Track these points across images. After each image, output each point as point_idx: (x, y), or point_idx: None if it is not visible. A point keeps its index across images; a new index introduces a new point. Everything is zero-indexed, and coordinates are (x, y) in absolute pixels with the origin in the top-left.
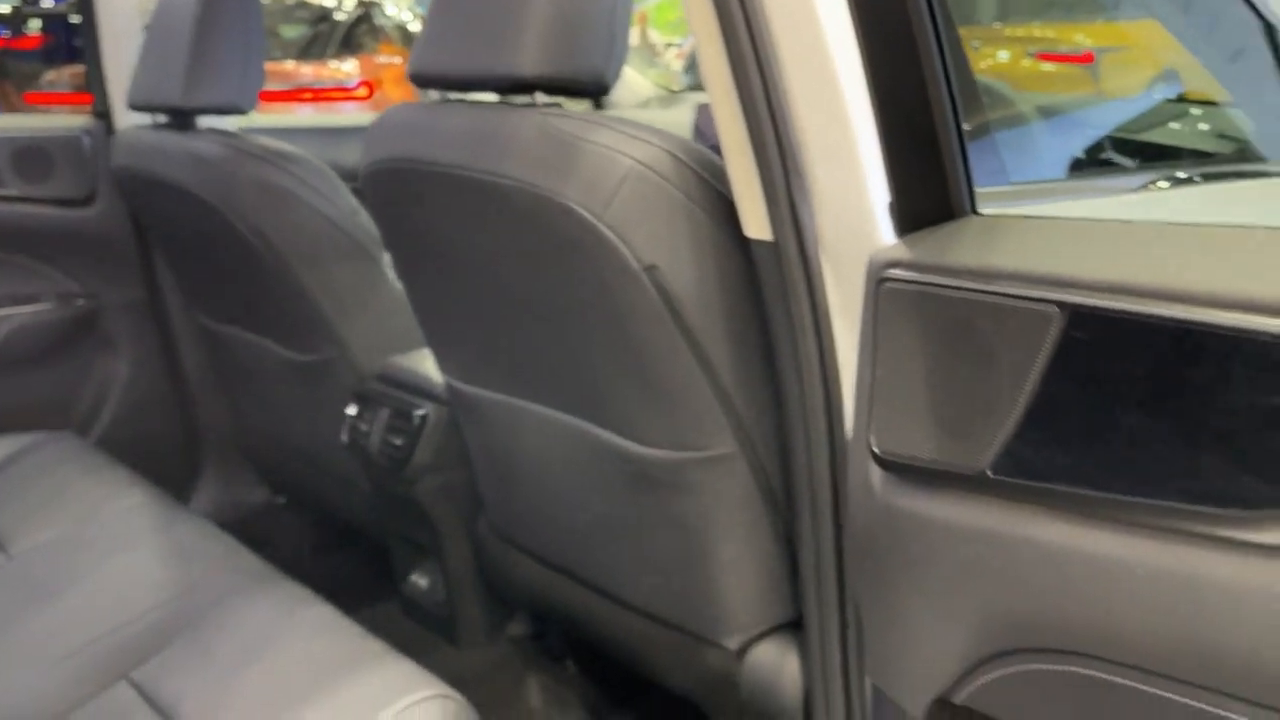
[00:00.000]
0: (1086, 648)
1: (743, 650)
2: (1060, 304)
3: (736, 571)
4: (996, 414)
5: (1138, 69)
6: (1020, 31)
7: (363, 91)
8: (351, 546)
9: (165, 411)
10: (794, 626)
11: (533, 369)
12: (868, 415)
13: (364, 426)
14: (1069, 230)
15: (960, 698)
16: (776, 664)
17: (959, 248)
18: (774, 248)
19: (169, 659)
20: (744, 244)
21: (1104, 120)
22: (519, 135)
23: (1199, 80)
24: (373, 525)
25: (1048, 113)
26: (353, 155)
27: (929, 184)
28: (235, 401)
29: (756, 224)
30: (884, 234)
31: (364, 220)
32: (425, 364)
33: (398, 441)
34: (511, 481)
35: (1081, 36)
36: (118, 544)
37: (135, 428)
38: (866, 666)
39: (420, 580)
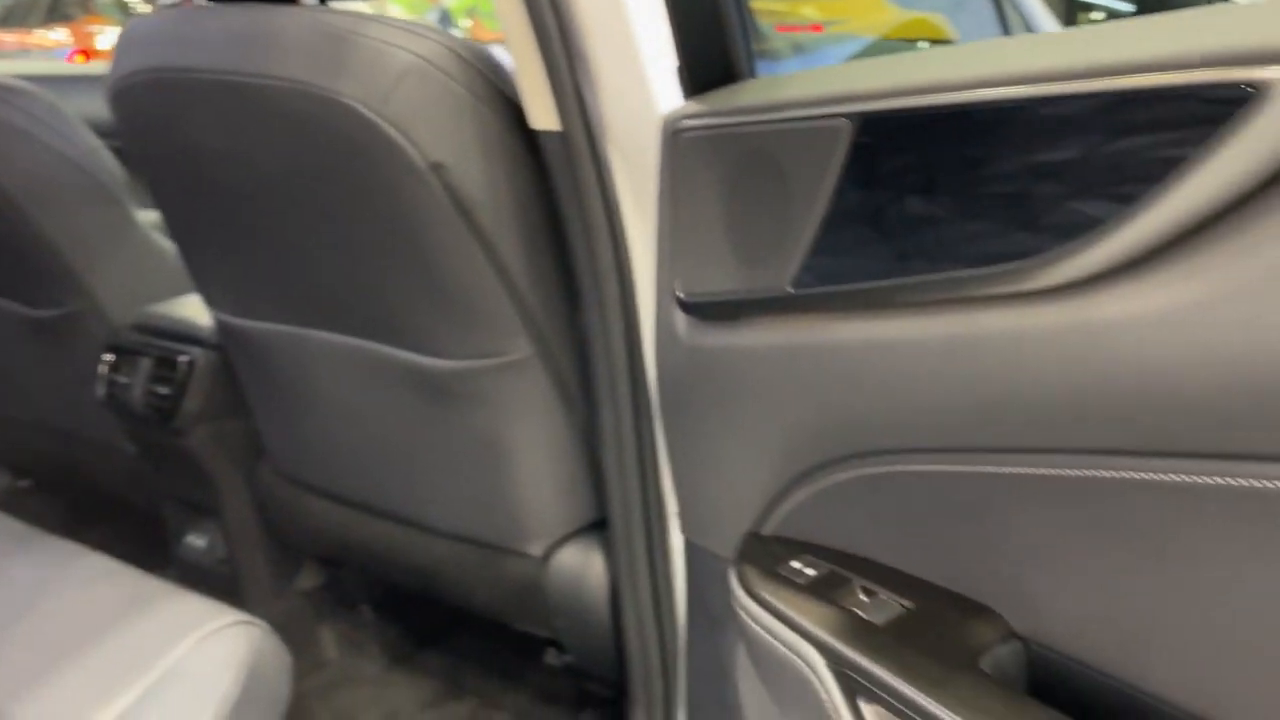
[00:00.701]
0: (891, 442)
1: (548, 555)
2: (849, 115)
3: (538, 477)
4: (794, 234)
5: (859, 35)
6: (760, 4)
7: (79, 60)
8: (113, 521)
9: None
10: (597, 527)
11: (315, 292)
12: (670, 265)
13: (123, 379)
14: (851, 66)
15: (769, 528)
16: (581, 565)
17: (748, 94)
18: (562, 138)
19: None
20: (532, 143)
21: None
22: (289, 33)
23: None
24: (138, 493)
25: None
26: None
27: (714, 50)
28: None
29: (543, 114)
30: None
31: (106, 159)
32: (186, 310)
33: (163, 391)
34: (298, 419)
35: (810, 10)
36: None
37: None
38: (683, 527)
39: (197, 541)
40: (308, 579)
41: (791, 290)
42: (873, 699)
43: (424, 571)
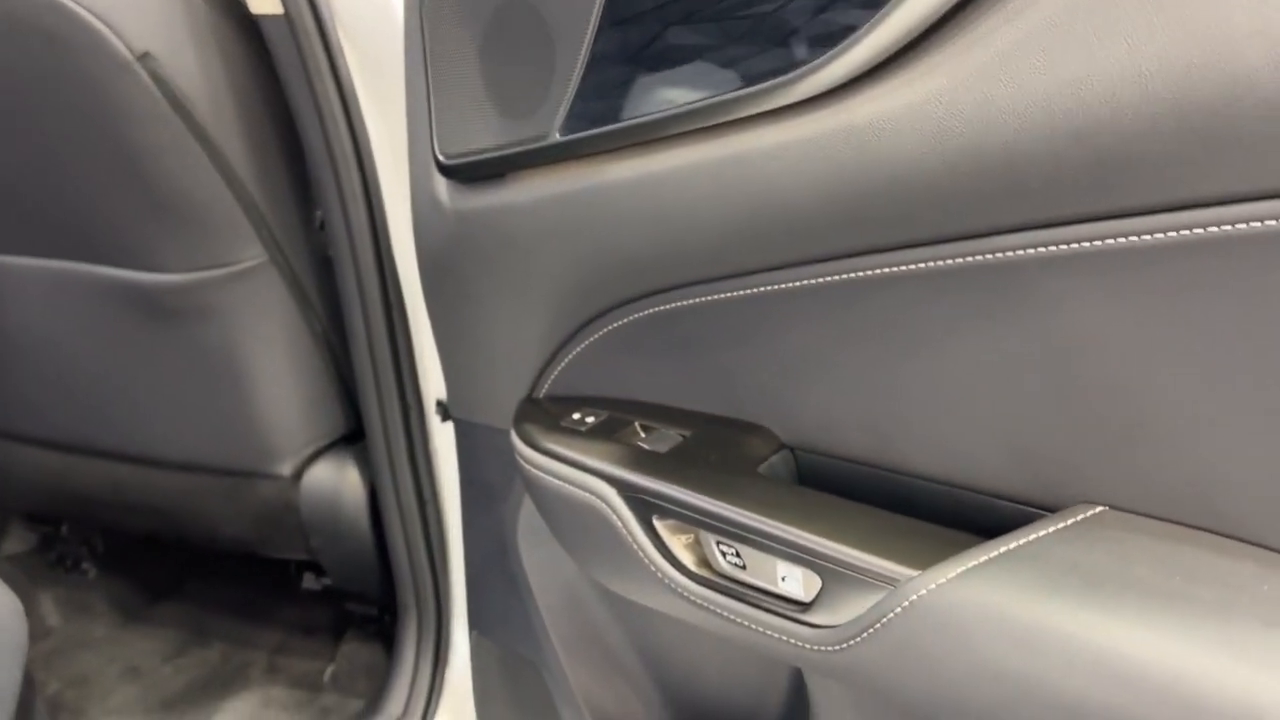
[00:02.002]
0: (662, 281)
1: (298, 474)
2: None
3: (281, 394)
4: (558, 79)
5: None
6: None
7: None
8: None
9: None
10: (349, 440)
11: (10, 211)
12: (429, 128)
13: None
14: None
15: (544, 392)
16: (336, 480)
17: None
18: (287, 22)
19: None
20: (253, 28)
21: None
22: None
23: None
24: None
25: None
26: None
27: None
28: None
29: None
30: None
31: None
32: None
33: None
34: None
35: None
36: None
37: None
38: (453, 407)
39: None
40: (16, 543)
41: (559, 137)
42: (665, 515)
43: (160, 511)
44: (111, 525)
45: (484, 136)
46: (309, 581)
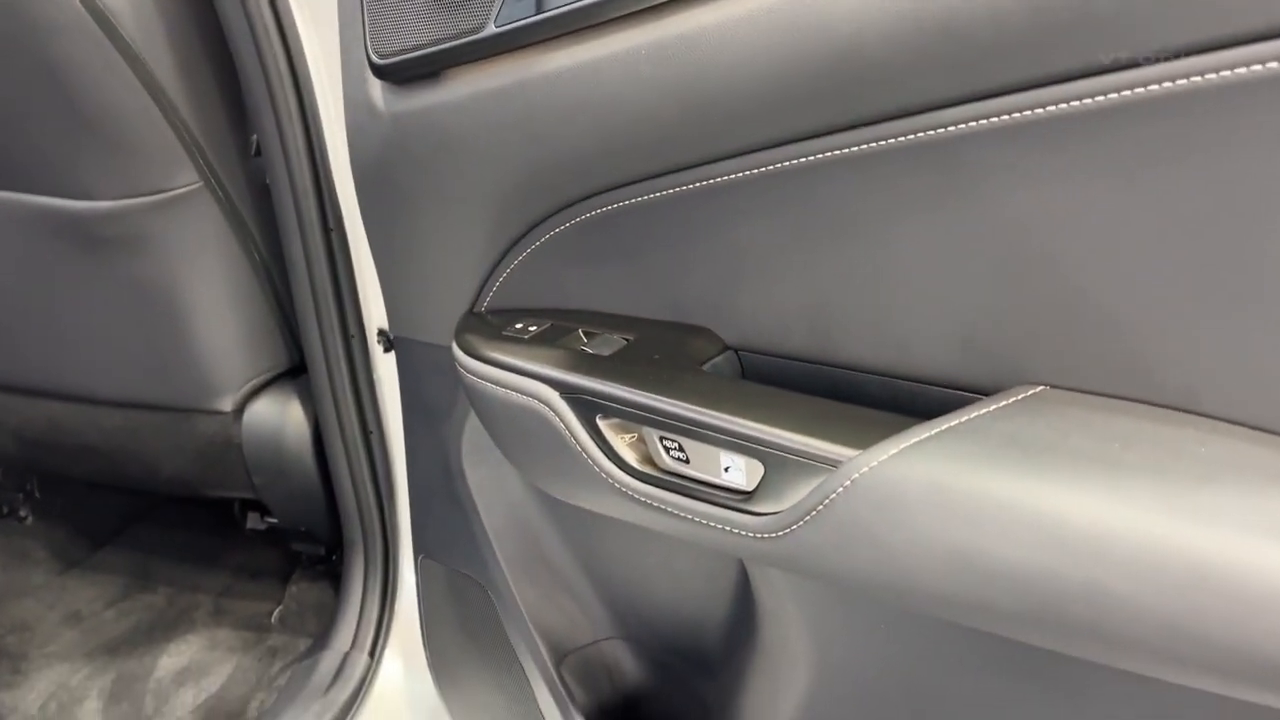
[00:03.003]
0: (603, 179)
1: (240, 409)
2: None
3: (219, 326)
4: None
5: None
6: None
7: None
8: None
9: None
10: (292, 373)
11: None
12: (362, 28)
13: None
14: None
15: (484, 305)
16: (279, 414)
17: None
18: None
19: None
20: None
21: None
22: None
23: None
24: None
25: None
26: None
27: None
28: None
29: None
30: None
31: None
32: None
33: None
34: None
35: None
36: None
37: None
38: (392, 324)
39: None
40: None
41: (495, 28)
42: (608, 414)
43: (98, 451)
44: (48, 468)
45: (418, 33)
46: (254, 521)
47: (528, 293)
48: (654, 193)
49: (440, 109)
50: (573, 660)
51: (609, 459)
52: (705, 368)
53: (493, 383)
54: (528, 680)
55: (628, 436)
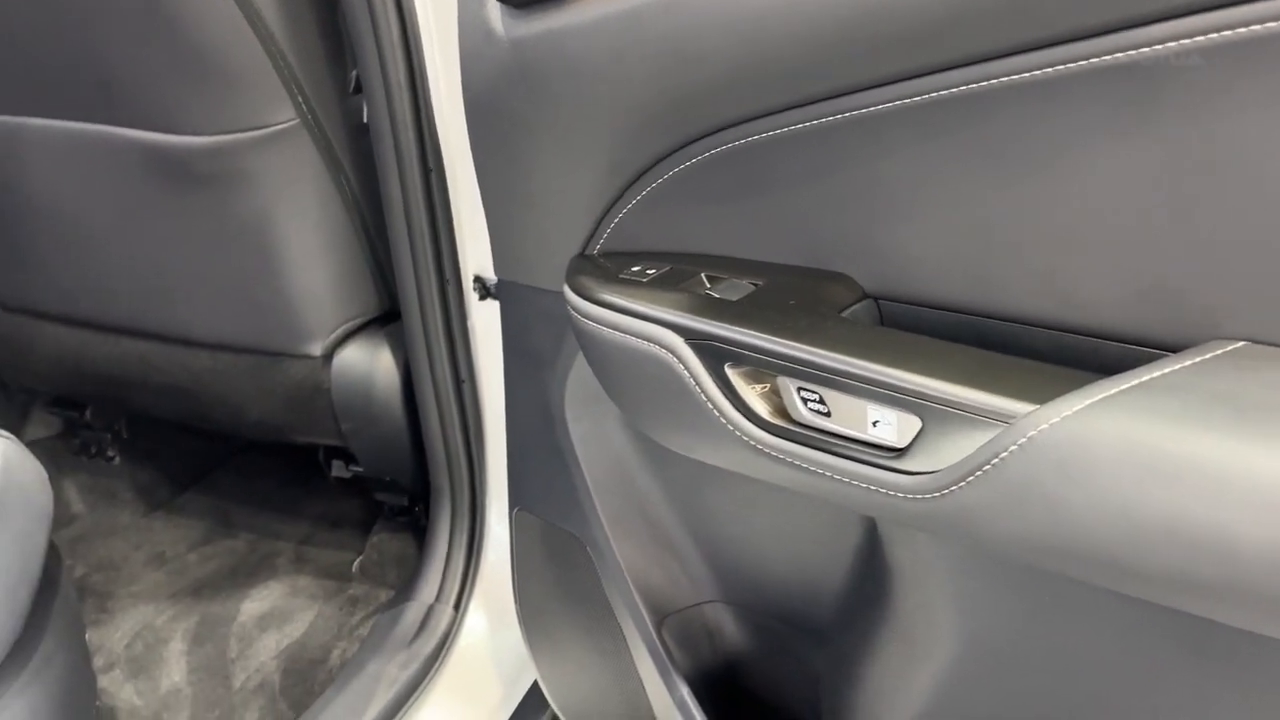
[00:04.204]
0: (741, 109)
1: (329, 354)
2: None
3: (311, 268)
4: None
5: None
6: None
7: None
8: None
9: None
10: (383, 319)
11: (26, 68)
12: None
13: None
14: None
15: (598, 247)
16: (369, 360)
17: None
18: None
19: None
20: None
21: None
22: None
23: None
24: None
25: None
26: None
27: None
28: None
29: None
30: None
31: None
32: None
33: None
34: (17, 232)
35: None
36: None
37: None
38: (498, 266)
39: None
40: (40, 428)
41: None
42: (738, 362)
43: (186, 392)
44: (136, 409)
45: None
46: (338, 469)
47: (644, 235)
48: (792, 125)
49: (564, 33)
50: (673, 622)
51: (738, 410)
52: (844, 314)
53: (609, 327)
54: (625, 641)
55: (759, 387)
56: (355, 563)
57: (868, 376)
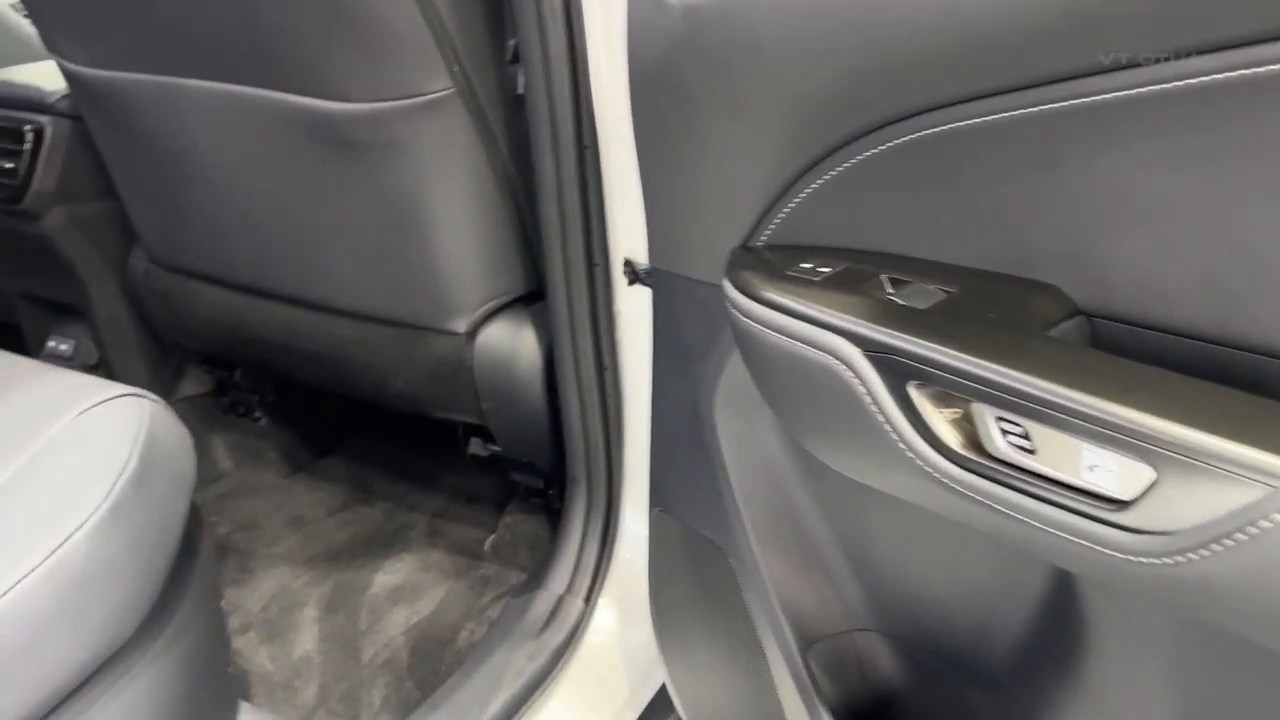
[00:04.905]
0: (935, 93)
1: (473, 332)
2: None
3: (460, 242)
4: None
5: None
6: None
7: None
8: None
9: None
10: (527, 300)
11: (189, 29)
12: None
13: None
14: None
15: (763, 239)
16: (512, 340)
17: None
18: None
19: None
20: None
21: None
22: None
23: None
24: None
25: None
26: None
27: None
28: None
29: None
30: None
31: None
32: (30, 75)
33: (8, 166)
34: (176, 192)
35: None
36: None
37: None
38: (653, 254)
39: (61, 346)
40: (193, 384)
41: None
42: (926, 382)
43: (331, 360)
44: (284, 373)
45: None
46: (476, 447)
47: (816, 228)
48: (1006, 111)
49: (744, 1)
50: (821, 648)
51: (922, 437)
52: (1052, 332)
53: (774, 329)
54: (766, 661)
55: (949, 412)
56: (488, 541)
57: (1088, 413)
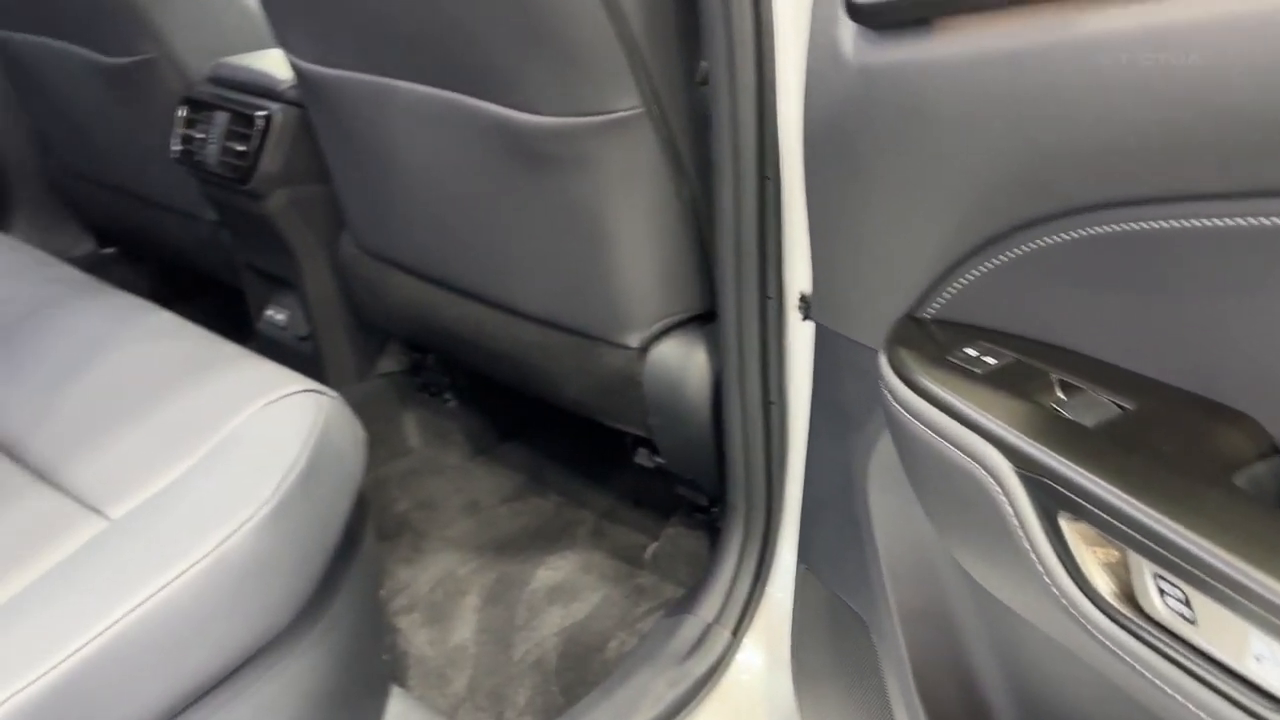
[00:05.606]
0: (1136, 187)
1: (646, 347)
2: None
3: (640, 259)
4: None
5: None
6: None
7: None
8: (198, 296)
9: None
10: (701, 320)
11: (401, 34)
12: None
13: (198, 135)
14: None
15: (930, 310)
16: (682, 359)
17: None
18: None
19: None
20: None
21: None
22: None
23: None
24: (219, 264)
25: None
26: None
27: None
28: (43, 131)
29: None
30: None
31: None
32: (265, 63)
33: (239, 148)
34: (380, 185)
35: None
36: None
37: None
38: (817, 310)
39: (278, 315)
40: (391, 362)
41: None
42: (1079, 515)
43: (512, 359)
44: (470, 365)
45: None
46: (642, 457)
47: (987, 308)
48: (1208, 218)
49: (926, 67)
50: None
51: (1070, 576)
52: (1239, 476)
53: (924, 423)
54: None
55: (1103, 553)
56: (649, 549)
57: (1262, 595)
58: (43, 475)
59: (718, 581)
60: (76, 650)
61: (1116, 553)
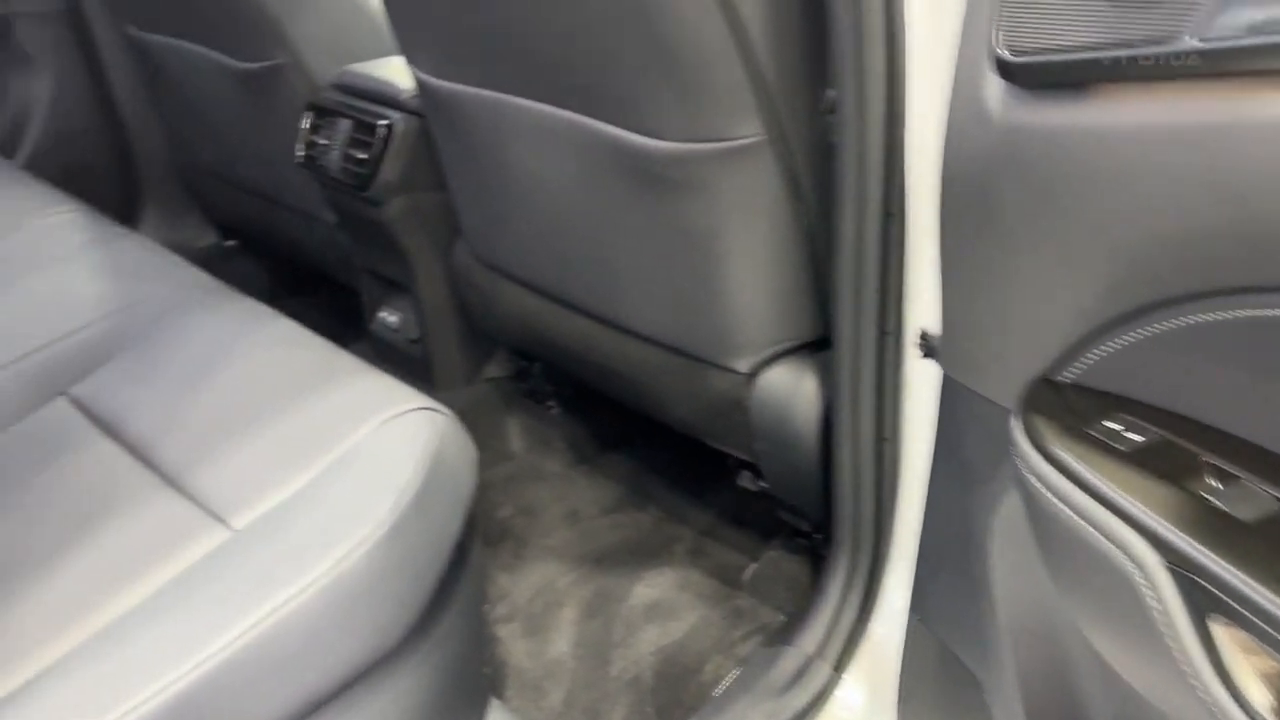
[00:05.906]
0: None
1: (754, 373)
2: None
3: (753, 285)
4: None
5: None
6: None
7: None
8: (314, 292)
9: (94, 140)
10: (812, 347)
11: (524, 53)
12: (989, 14)
13: (322, 141)
14: None
15: (1068, 374)
16: (792, 387)
17: None
18: None
19: (110, 375)
20: None
21: None
22: None
23: None
24: (337, 264)
25: None
26: None
27: None
28: (176, 128)
29: None
30: None
31: None
32: (388, 71)
33: (361, 156)
34: (496, 197)
35: None
36: (45, 258)
37: (61, 158)
38: (944, 360)
39: (391, 318)
40: (499, 368)
41: (1196, 43)
42: (1233, 620)
43: (619, 376)
44: (577, 378)
45: (1073, 30)
46: (745, 480)
47: (1132, 378)
48: None
49: (1078, 133)
50: None
51: (1221, 682)
52: None
53: (1061, 499)
54: None
55: (1259, 662)
56: (748, 570)
57: None
58: (171, 480)
59: (820, 614)
60: (199, 664)
61: (1274, 664)
